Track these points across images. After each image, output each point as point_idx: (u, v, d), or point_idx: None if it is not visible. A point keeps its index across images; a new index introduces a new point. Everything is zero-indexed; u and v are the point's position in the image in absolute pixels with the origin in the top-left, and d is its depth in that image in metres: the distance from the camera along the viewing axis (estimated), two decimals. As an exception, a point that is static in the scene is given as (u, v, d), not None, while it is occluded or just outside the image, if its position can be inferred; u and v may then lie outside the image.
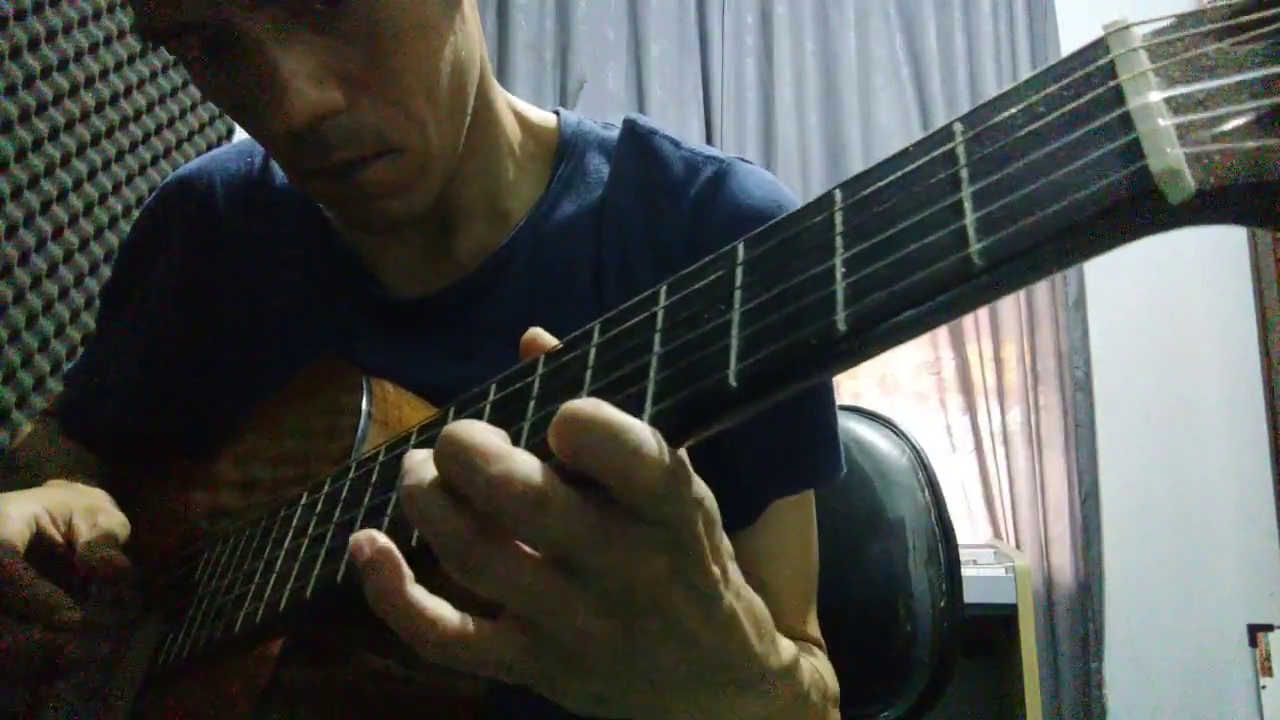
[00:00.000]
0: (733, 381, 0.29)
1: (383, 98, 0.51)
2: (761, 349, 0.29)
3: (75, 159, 1.31)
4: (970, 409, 2.51)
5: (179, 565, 0.59)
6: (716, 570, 0.34)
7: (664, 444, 0.30)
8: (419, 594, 0.32)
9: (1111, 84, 0.25)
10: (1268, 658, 2.33)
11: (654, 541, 0.32)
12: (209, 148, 1.65)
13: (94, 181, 1.35)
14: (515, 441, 0.34)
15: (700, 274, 0.33)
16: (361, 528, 0.41)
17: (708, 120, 2.58)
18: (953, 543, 0.88)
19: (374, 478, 0.43)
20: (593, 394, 0.33)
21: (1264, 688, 2.32)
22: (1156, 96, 0.24)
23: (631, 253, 0.64)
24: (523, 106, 0.69)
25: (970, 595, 0.89)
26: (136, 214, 1.39)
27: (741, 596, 0.37)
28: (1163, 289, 2.48)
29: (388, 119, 0.51)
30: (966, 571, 0.89)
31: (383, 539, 0.32)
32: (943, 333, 2.57)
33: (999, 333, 2.53)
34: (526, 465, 0.30)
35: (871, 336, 0.27)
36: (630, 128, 0.68)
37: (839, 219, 0.30)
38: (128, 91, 1.42)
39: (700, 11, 2.64)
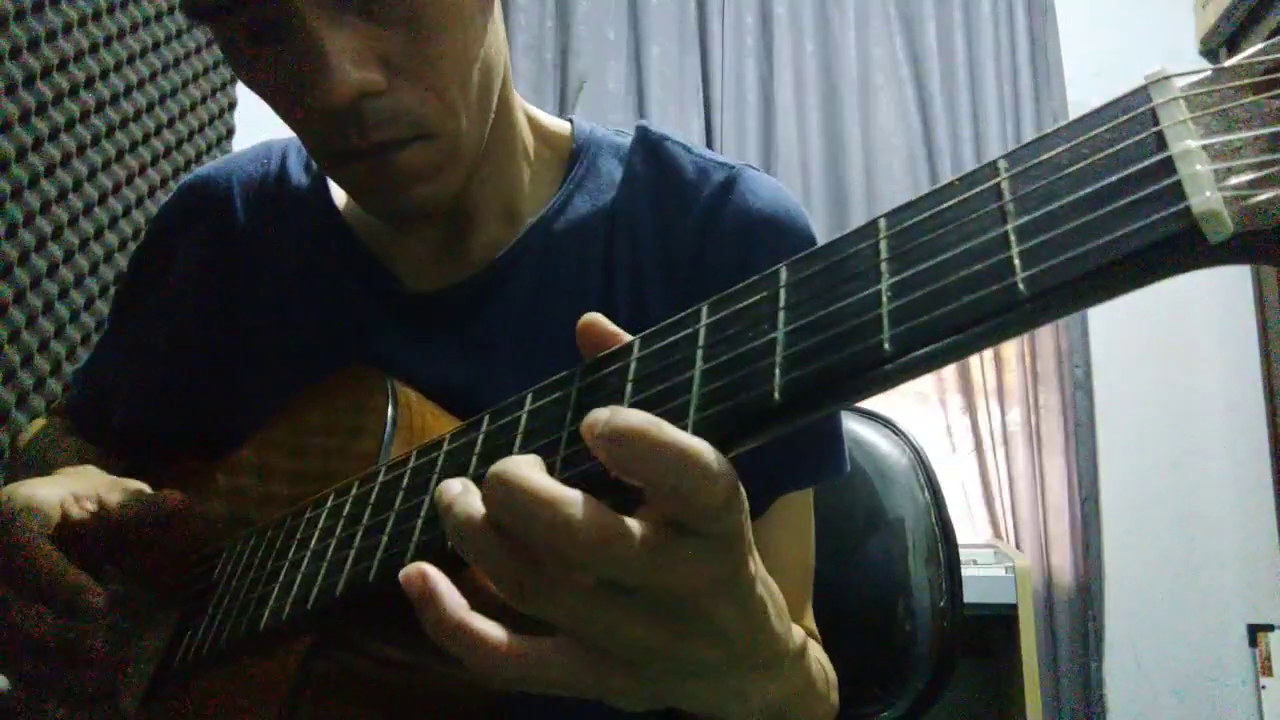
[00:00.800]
0: (777, 396, 0.30)
1: (421, 83, 0.53)
2: (807, 365, 0.30)
3: (75, 159, 1.31)
4: (970, 409, 2.51)
5: (198, 562, 0.60)
6: (752, 566, 0.36)
7: (725, 462, 0.31)
8: (477, 622, 0.33)
9: (1154, 129, 0.27)
10: (1268, 658, 2.33)
11: (706, 552, 0.33)
12: (210, 148, 1.65)
13: (94, 181, 1.35)
14: (554, 450, 0.36)
15: (743, 294, 0.35)
16: (393, 530, 0.42)
17: (708, 120, 2.58)
18: (953, 542, 0.89)
19: (405, 482, 0.44)
20: (634, 405, 0.34)
21: (1264, 688, 2.32)
22: (1195, 144, 0.26)
23: (642, 254, 0.65)
24: (537, 113, 0.71)
25: (970, 595, 0.89)
26: (138, 213, 1.39)
27: (767, 585, 0.39)
28: (1163, 289, 2.45)
29: (425, 103, 0.53)
30: (966, 571, 0.89)
31: (432, 571, 0.33)
32: (943, 333, 2.57)
33: (999, 333, 2.53)
34: (584, 509, 0.31)
35: (916, 359, 0.28)
36: (643, 133, 0.70)
37: (884, 246, 0.31)
38: (128, 91, 1.42)
39: (700, 11, 2.63)
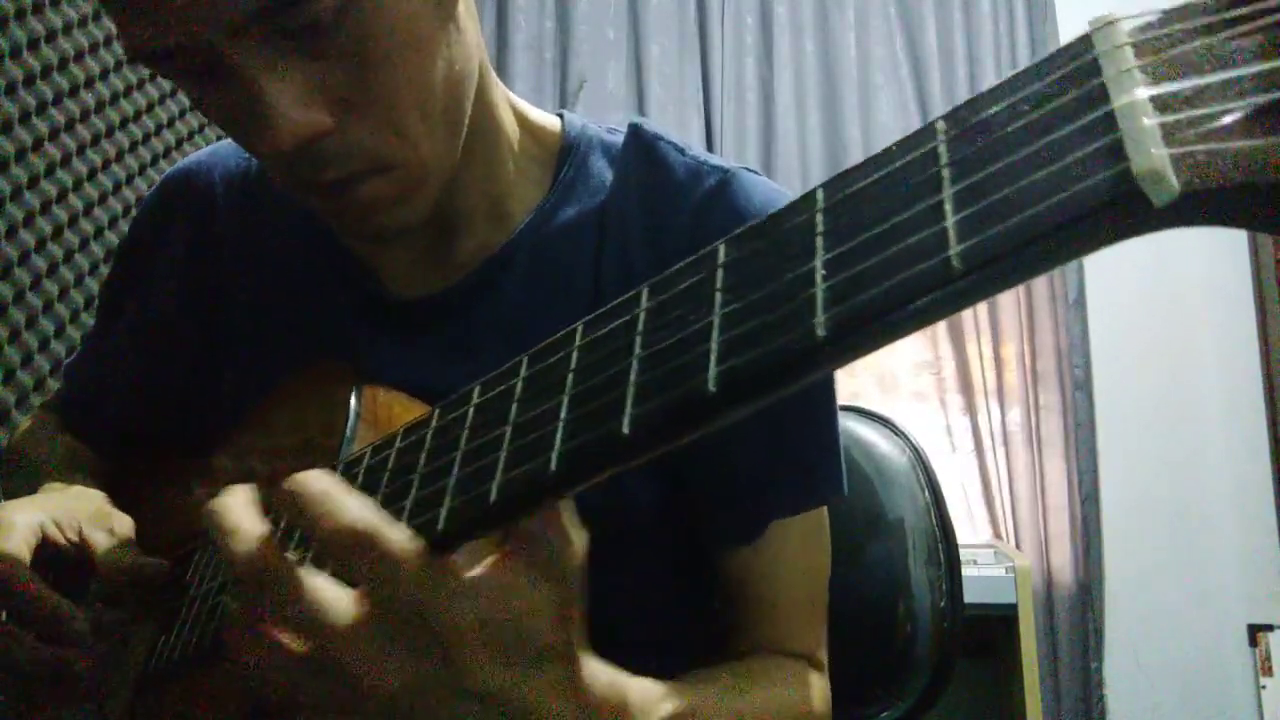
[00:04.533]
0: (711, 387, 0.29)
1: (374, 117, 0.50)
2: (741, 354, 0.29)
3: (75, 159, 1.31)
4: (970, 409, 2.51)
5: (174, 565, 0.59)
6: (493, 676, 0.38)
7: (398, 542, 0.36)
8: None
9: (1095, 81, 0.25)
10: (1268, 658, 2.33)
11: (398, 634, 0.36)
12: (209, 148, 1.64)
13: (94, 181, 1.35)
14: (497, 447, 0.36)
15: (681, 276, 0.33)
16: None
17: (708, 120, 2.58)
18: (953, 543, 0.88)
19: (358, 482, 0.43)
20: (573, 397, 0.34)
21: (1264, 688, 2.32)
22: (1142, 94, 0.23)
23: (632, 258, 0.64)
24: (526, 107, 0.69)
25: (970, 595, 0.89)
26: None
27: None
28: (1162, 288, 2.48)
29: (380, 138, 0.51)
30: (966, 571, 0.89)
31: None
32: (942, 332, 2.57)
33: (999, 332, 2.53)
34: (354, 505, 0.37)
35: (852, 341, 0.27)
36: (635, 132, 0.68)
37: (820, 220, 0.29)
38: (128, 91, 1.42)
39: (700, 11, 2.64)
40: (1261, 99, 0.22)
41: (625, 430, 0.30)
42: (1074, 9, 2.57)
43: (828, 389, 0.66)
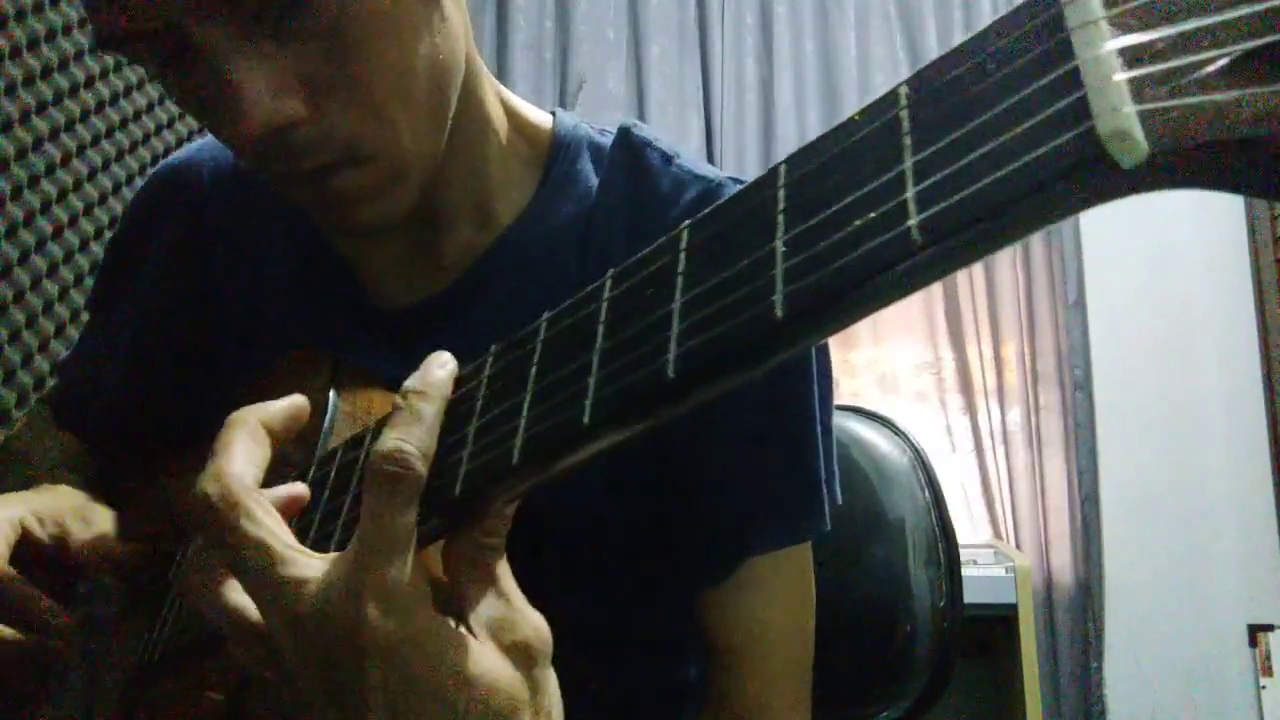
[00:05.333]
0: (670, 373, 0.28)
1: (352, 104, 0.48)
2: (698, 338, 0.28)
3: (75, 159, 1.31)
4: (970, 409, 2.51)
5: (161, 560, 0.60)
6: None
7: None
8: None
9: (1059, 36, 0.23)
10: (1268, 658, 2.33)
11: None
12: (209, 148, 1.64)
13: (94, 181, 1.35)
14: (462, 444, 0.36)
15: (644, 263, 0.32)
16: (317, 531, 0.42)
17: (708, 120, 2.58)
18: (953, 543, 0.88)
19: (330, 480, 0.43)
20: (537, 390, 0.33)
21: (1264, 688, 2.32)
22: (1109, 47, 0.21)
23: (615, 264, 0.62)
24: (518, 104, 0.67)
25: (970, 595, 0.89)
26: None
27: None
28: (1162, 288, 2.48)
29: (357, 126, 0.49)
30: (966, 571, 0.89)
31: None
32: (942, 332, 2.57)
33: (999, 333, 2.53)
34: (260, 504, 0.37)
35: (811, 323, 0.26)
36: (624, 137, 0.66)
37: (782, 196, 0.28)
38: (128, 91, 1.42)
39: (700, 11, 2.64)
40: (1239, 46, 0.20)
41: (585, 419, 0.30)
42: (1074, 9, 2.57)
43: (812, 420, 0.61)
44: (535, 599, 0.39)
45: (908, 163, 0.25)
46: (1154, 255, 2.45)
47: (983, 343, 2.52)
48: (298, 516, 0.43)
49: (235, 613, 0.37)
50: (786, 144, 2.52)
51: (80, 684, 0.55)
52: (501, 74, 2.56)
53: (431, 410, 0.37)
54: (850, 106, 2.54)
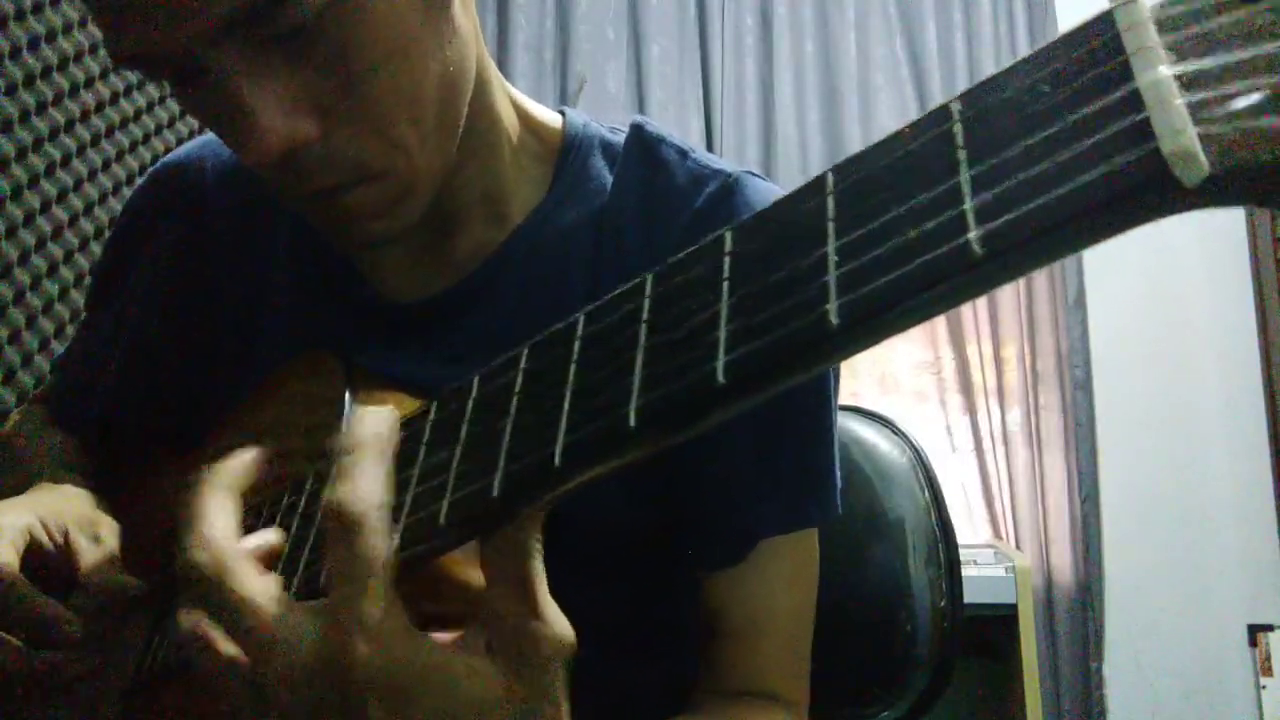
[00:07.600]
0: (720, 378, 0.28)
1: (361, 125, 0.49)
2: (750, 343, 0.28)
3: (75, 159, 1.31)
4: (970, 409, 2.51)
5: (162, 565, 0.59)
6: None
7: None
8: None
9: (1119, 59, 0.24)
10: (1268, 658, 2.33)
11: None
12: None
13: (94, 181, 1.35)
14: (497, 441, 0.35)
15: (686, 265, 0.32)
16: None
17: (708, 120, 2.58)
18: (953, 543, 0.88)
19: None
20: (575, 391, 0.33)
21: (1264, 688, 2.32)
22: (1167, 72, 0.23)
23: (629, 263, 0.62)
24: (528, 103, 0.67)
25: (970, 595, 0.89)
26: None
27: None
28: (1163, 288, 2.49)
29: (367, 146, 0.49)
30: (966, 571, 0.89)
31: None
32: (943, 332, 2.57)
33: (999, 333, 2.53)
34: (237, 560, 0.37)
35: (865, 329, 0.26)
36: (637, 133, 0.66)
37: (831, 205, 0.29)
38: (128, 91, 1.42)
39: (700, 11, 2.64)
40: None
41: (631, 422, 0.30)
42: (1074, 9, 2.57)
43: (824, 407, 0.63)
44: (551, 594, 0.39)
45: (964, 175, 0.25)
46: (1154, 255, 2.45)
47: (983, 343, 2.52)
48: (280, 561, 0.43)
49: (232, 666, 0.37)
50: (786, 144, 2.53)
51: (85, 693, 0.55)
52: (501, 74, 2.56)
53: (366, 462, 0.36)
54: (850, 106, 2.54)
